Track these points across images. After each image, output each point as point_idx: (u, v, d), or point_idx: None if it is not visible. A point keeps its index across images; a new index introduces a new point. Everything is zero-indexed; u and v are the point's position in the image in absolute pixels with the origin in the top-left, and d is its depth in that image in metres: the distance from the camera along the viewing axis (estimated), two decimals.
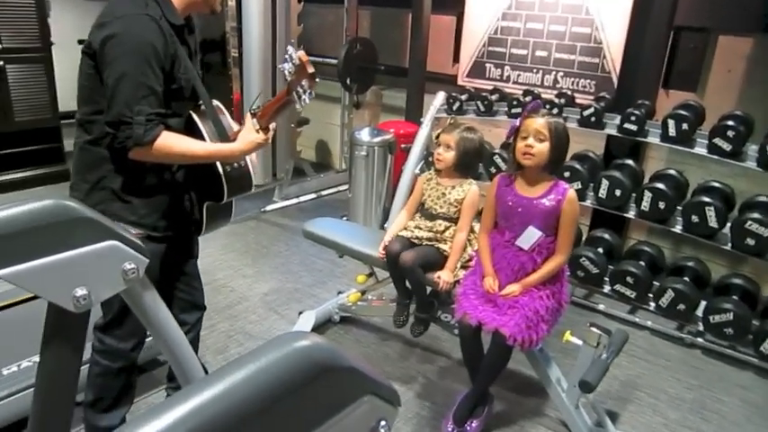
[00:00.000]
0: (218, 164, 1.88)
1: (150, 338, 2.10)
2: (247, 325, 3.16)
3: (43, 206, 0.96)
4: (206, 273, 3.65)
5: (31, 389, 1.07)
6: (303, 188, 5.26)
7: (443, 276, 2.42)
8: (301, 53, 1.76)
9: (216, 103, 1.98)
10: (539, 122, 2.12)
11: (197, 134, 1.87)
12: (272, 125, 1.88)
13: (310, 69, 1.74)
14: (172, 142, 1.72)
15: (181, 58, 1.77)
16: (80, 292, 0.99)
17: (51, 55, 4.82)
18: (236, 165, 1.92)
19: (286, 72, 1.78)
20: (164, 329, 1.23)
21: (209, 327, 3.09)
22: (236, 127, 1.94)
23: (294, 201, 5.07)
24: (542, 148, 2.12)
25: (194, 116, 1.90)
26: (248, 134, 1.83)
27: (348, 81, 5.17)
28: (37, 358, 1.06)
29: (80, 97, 1.79)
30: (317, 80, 1.76)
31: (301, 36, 4.75)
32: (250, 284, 3.61)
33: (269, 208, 4.86)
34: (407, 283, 2.58)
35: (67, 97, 3.96)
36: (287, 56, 1.79)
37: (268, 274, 3.75)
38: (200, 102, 1.92)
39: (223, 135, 1.89)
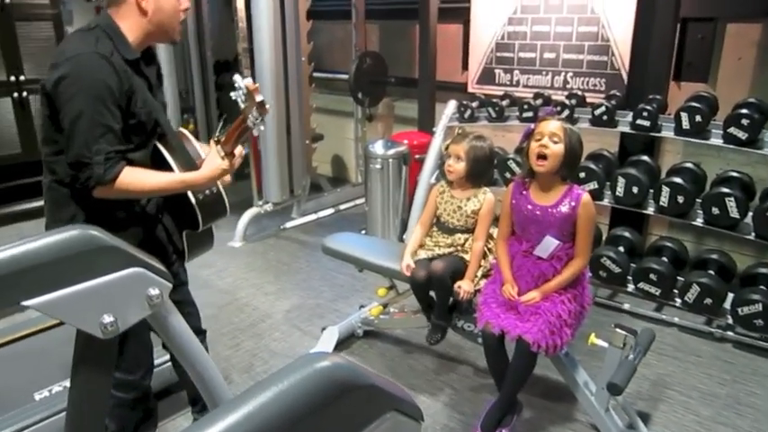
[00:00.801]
0: (190, 193, 1.89)
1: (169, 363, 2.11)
2: (272, 343, 3.18)
3: (69, 236, 0.99)
4: (228, 292, 3.74)
5: (63, 413, 1.10)
6: (321, 203, 5.29)
7: (464, 286, 2.42)
8: (248, 81, 1.73)
9: (181, 130, 2.00)
10: (553, 124, 2.12)
11: (165, 164, 1.87)
12: (238, 150, 1.87)
13: (258, 98, 1.71)
14: (134, 177, 1.73)
15: (138, 92, 1.76)
16: (107, 318, 1.02)
17: None
18: (207, 192, 1.93)
19: (239, 100, 1.77)
20: (189, 352, 1.25)
21: (234, 346, 3.12)
22: (203, 154, 1.94)
23: (313, 216, 5.10)
24: (557, 149, 2.10)
25: (160, 147, 1.90)
26: (213, 161, 1.83)
27: (360, 95, 5.22)
28: (67, 383, 1.09)
29: (41, 137, 1.80)
30: (268, 107, 1.74)
31: (312, 53, 4.79)
32: (272, 302, 3.63)
33: (288, 225, 4.89)
34: (432, 292, 2.56)
35: None
36: (236, 85, 1.76)
37: (290, 291, 3.77)
38: (165, 132, 1.92)
39: (190, 163, 1.90)
